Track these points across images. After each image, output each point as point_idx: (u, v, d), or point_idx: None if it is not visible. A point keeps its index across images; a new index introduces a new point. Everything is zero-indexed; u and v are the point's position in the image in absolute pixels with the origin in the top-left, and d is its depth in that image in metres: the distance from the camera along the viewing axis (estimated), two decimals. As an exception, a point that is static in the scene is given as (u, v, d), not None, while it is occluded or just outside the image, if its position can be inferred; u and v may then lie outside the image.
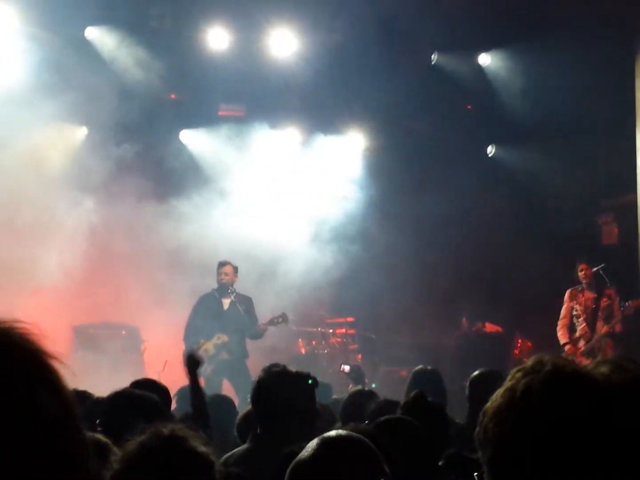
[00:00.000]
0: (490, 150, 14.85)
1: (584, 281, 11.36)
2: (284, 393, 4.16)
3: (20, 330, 1.10)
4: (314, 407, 4.22)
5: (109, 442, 3.15)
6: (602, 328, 11.24)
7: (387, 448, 2.66)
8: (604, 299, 11.25)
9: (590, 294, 11.34)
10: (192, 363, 5.34)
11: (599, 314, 11.25)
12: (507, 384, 1.74)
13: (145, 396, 4.30)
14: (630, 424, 1.70)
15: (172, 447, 2.54)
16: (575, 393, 1.69)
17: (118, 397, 4.37)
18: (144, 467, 2.50)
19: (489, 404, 1.75)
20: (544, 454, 1.66)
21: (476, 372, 6.04)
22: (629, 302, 11.11)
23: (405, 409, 4.40)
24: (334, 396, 7.46)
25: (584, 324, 11.30)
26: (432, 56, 13.93)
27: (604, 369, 1.89)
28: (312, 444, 2.23)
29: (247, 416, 4.98)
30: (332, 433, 2.28)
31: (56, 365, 1.14)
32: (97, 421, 4.09)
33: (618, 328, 11.21)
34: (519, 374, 1.74)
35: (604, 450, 1.66)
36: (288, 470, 2.22)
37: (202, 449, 2.58)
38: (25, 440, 1.07)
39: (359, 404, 5.54)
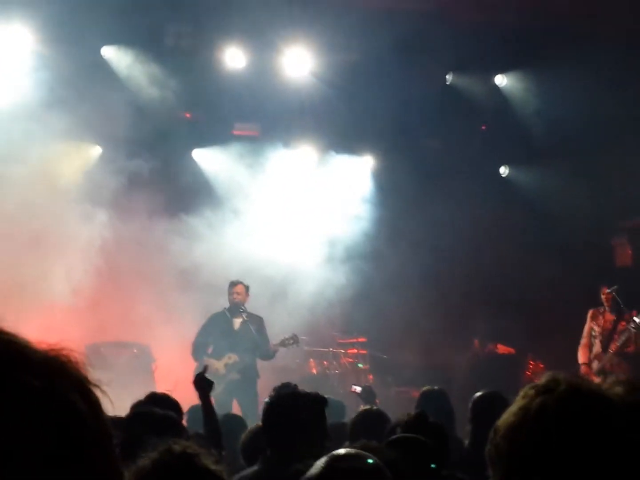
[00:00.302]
0: (504, 171, 14.86)
1: (606, 304, 11.60)
2: (295, 415, 4.14)
3: (66, 356, 1.17)
4: (324, 429, 4.20)
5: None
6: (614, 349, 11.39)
7: (396, 465, 2.65)
8: (622, 322, 11.46)
9: (610, 317, 11.58)
10: (203, 386, 5.30)
11: (615, 336, 11.42)
12: (520, 402, 1.72)
13: (165, 415, 4.22)
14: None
15: (183, 464, 2.54)
16: (591, 412, 1.68)
17: (138, 416, 4.30)
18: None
19: (500, 421, 1.73)
20: (557, 472, 1.65)
21: (478, 394, 5.84)
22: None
23: (406, 428, 4.36)
24: (345, 418, 7.40)
25: (599, 345, 11.44)
26: (447, 76, 13.96)
27: (618, 389, 1.87)
28: (321, 461, 2.21)
29: (251, 438, 4.95)
30: (341, 451, 2.27)
31: (97, 392, 1.22)
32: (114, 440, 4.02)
33: (631, 348, 11.32)
34: (532, 392, 1.72)
35: (617, 469, 1.64)
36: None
37: (213, 466, 2.58)
38: (65, 446, 1.11)
39: (367, 424, 5.51)
